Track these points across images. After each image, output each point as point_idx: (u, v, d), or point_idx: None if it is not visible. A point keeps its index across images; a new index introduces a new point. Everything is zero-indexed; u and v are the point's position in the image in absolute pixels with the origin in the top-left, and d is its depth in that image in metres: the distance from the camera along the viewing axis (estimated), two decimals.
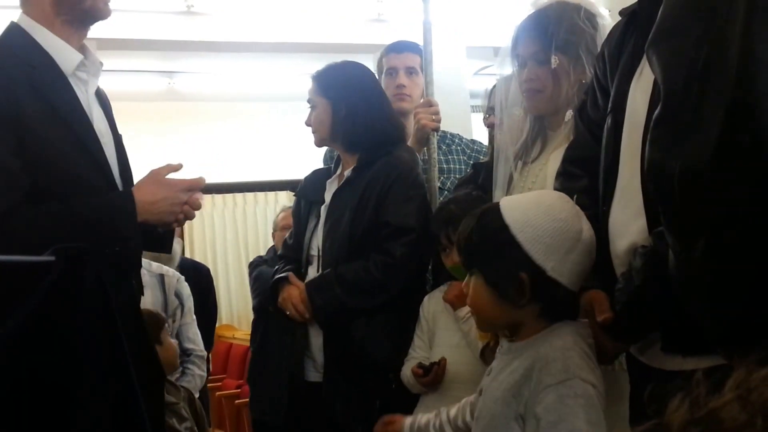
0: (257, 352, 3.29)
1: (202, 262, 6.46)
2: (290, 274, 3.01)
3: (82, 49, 2.35)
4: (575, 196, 1.90)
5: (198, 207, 2.34)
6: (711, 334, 1.34)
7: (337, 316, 2.87)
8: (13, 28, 2.29)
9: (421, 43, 3.31)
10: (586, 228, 1.83)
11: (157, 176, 2.28)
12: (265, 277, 5.05)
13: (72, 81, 2.29)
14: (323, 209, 3.00)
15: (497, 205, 1.86)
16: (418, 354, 2.74)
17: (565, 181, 2.08)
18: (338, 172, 3.05)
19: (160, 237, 2.46)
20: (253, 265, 5.52)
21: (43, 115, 2.19)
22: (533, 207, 1.84)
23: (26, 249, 1.78)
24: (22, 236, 2.09)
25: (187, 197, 2.28)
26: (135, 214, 2.19)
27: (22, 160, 2.14)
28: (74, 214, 2.16)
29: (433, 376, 2.57)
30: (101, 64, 2.40)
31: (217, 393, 6.20)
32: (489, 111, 2.97)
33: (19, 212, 2.12)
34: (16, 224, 2.11)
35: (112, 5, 2.35)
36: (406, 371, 2.70)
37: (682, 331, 1.55)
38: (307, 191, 3.16)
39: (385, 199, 2.84)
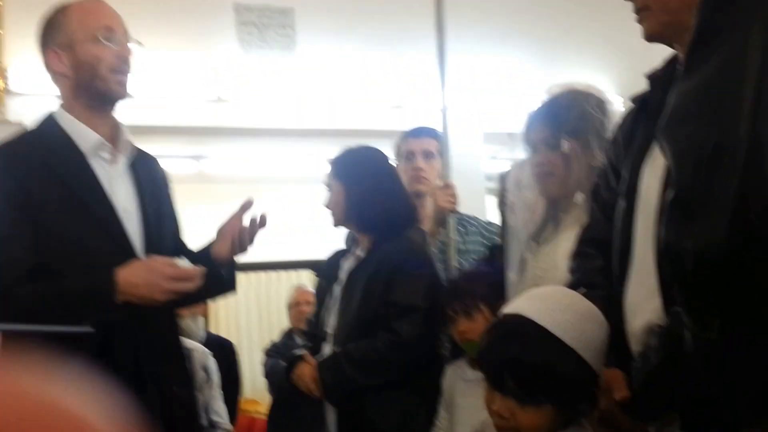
0: None
1: (227, 337, 6.42)
2: (305, 352, 3.01)
3: (114, 129, 2.39)
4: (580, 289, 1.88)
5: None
6: (729, 414, 1.31)
7: (347, 394, 2.84)
8: (46, 118, 2.37)
9: (439, 128, 3.33)
10: None
11: (149, 262, 2.21)
12: (275, 371, 5.04)
13: (94, 160, 2.32)
14: (337, 288, 2.99)
15: (544, 330, 1.71)
16: (442, 425, 2.73)
17: (580, 260, 2.07)
18: (354, 252, 3.05)
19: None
20: (267, 354, 5.50)
21: (58, 195, 2.22)
22: (582, 321, 1.75)
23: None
24: (10, 316, 2.07)
25: (172, 286, 2.18)
26: (113, 294, 2.13)
27: (33, 240, 2.17)
28: (56, 295, 2.15)
29: None
30: (130, 143, 2.41)
31: None
32: (506, 194, 2.96)
33: (11, 293, 2.15)
34: (5, 305, 2.13)
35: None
36: None
37: (701, 411, 1.51)
38: (326, 270, 3.17)
39: (393, 279, 2.82)
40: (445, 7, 3.31)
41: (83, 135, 2.32)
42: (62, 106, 2.37)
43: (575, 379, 1.71)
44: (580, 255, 2.09)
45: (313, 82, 5.52)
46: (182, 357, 2.49)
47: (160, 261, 2.20)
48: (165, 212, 2.48)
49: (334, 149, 3.11)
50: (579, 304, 1.82)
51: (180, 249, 2.50)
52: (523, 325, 1.75)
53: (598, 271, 1.99)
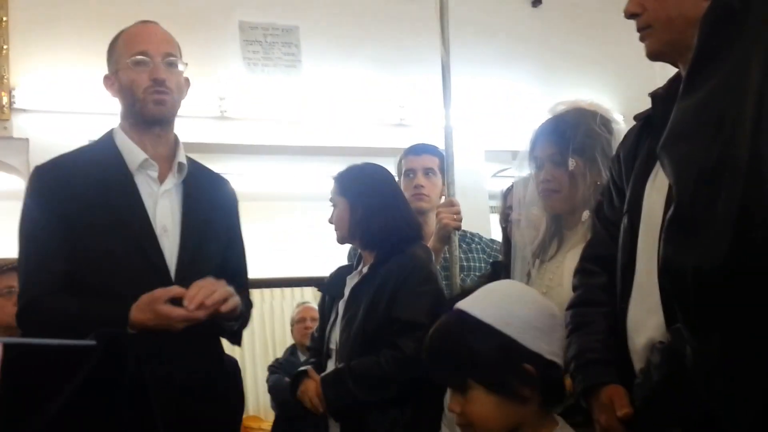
0: None
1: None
2: (309, 368, 3.01)
3: (170, 148, 2.47)
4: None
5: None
6: (730, 430, 1.30)
7: (350, 410, 2.84)
8: (106, 133, 2.48)
9: (441, 146, 3.34)
10: (550, 302, 1.87)
11: (155, 304, 2.18)
12: (278, 387, 5.02)
13: (140, 177, 2.39)
14: (341, 304, 2.99)
15: (461, 312, 1.80)
16: None
17: (583, 277, 2.06)
18: (359, 268, 3.05)
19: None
20: (270, 371, 5.49)
21: (99, 210, 2.31)
22: (503, 299, 1.82)
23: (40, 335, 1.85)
24: (36, 327, 2.24)
25: (182, 325, 2.21)
26: (125, 329, 2.17)
27: (70, 254, 2.28)
28: (76, 318, 2.21)
29: None
30: (181, 164, 2.46)
31: None
32: (509, 210, 2.96)
33: (40, 304, 2.26)
34: (33, 315, 2.27)
35: None
36: None
37: (702, 427, 1.50)
38: (330, 287, 3.17)
39: (397, 295, 2.82)
40: (448, 28, 3.32)
41: (132, 153, 2.41)
42: (120, 124, 2.48)
43: (489, 350, 1.72)
44: (583, 272, 2.09)
45: (318, 99, 5.54)
46: (204, 366, 2.44)
47: (165, 298, 2.19)
48: (214, 233, 2.48)
49: (338, 167, 3.12)
50: (504, 286, 1.94)
51: (227, 272, 2.46)
52: (446, 315, 1.86)
53: (601, 288, 1.99)
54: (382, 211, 2.97)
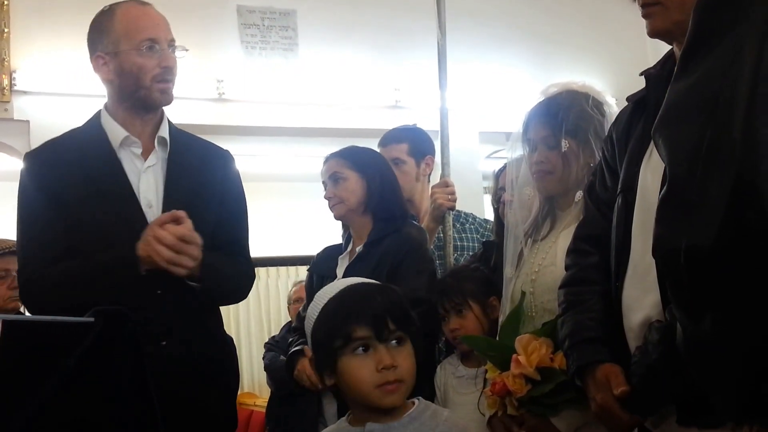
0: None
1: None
2: (305, 347, 2.97)
3: (156, 126, 2.45)
4: None
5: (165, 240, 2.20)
6: (720, 407, 1.29)
7: None
8: (94, 115, 2.46)
9: (437, 127, 3.32)
10: None
11: (149, 230, 2.23)
12: (275, 365, 4.99)
13: (124, 154, 2.38)
14: None
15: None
16: None
17: (577, 257, 2.05)
18: (349, 248, 3.02)
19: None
20: (267, 348, 5.47)
21: (87, 189, 2.30)
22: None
23: (52, 306, 1.83)
24: (41, 295, 2.28)
25: (157, 231, 2.20)
26: (135, 264, 2.20)
27: (63, 233, 2.29)
28: (83, 272, 2.25)
29: None
30: (162, 138, 2.44)
31: None
32: (501, 191, 2.94)
33: (42, 275, 2.27)
34: (38, 286, 2.29)
35: None
36: None
37: (698, 404, 1.49)
38: (319, 266, 3.12)
39: (397, 273, 2.79)
40: (444, 12, 3.30)
41: (114, 131, 2.39)
42: (106, 105, 2.45)
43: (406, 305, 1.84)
44: (575, 251, 2.07)
45: (315, 82, 5.52)
46: (201, 343, 2.43)
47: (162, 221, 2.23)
48: (202, 206, 2.42)
49: (335, 148, 3.09)
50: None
51: (220, 242, 2.46)
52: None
53: (594, 268, 1.97)
54: (391, 189, 2.99)
